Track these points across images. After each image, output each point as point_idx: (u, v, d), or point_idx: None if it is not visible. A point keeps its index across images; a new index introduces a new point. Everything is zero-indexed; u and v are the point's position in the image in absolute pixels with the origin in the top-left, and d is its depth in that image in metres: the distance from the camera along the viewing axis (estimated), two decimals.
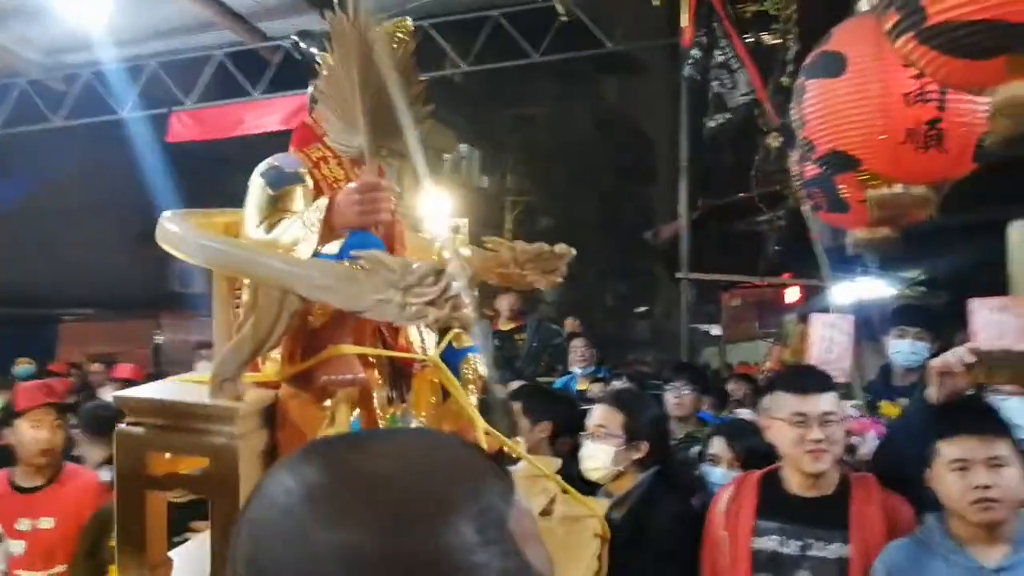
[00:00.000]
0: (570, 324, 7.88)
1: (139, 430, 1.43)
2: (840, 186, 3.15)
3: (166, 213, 1.54)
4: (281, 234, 1.48)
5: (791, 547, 2.34)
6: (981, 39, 1.58)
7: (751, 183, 6.71)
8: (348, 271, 1.18)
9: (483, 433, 1.63)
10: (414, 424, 1.63)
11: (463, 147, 21.83)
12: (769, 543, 2.36)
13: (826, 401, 2.38)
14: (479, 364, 1.85)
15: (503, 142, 20.56)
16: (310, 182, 1.61)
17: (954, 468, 2.08)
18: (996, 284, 4.60)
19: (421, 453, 0.67)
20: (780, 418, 2.39)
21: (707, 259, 7.85)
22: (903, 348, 3.86)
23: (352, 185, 1.47)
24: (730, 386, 6.11)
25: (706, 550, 2.52)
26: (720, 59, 5.71)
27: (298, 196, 1.57)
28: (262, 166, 1.63)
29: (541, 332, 6.45)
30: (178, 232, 1.47)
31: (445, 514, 0.61)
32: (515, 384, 4.17)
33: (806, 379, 2.48)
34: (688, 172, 7.07)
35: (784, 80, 4.17)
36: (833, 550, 2.30)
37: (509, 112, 20.67)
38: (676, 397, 4.43)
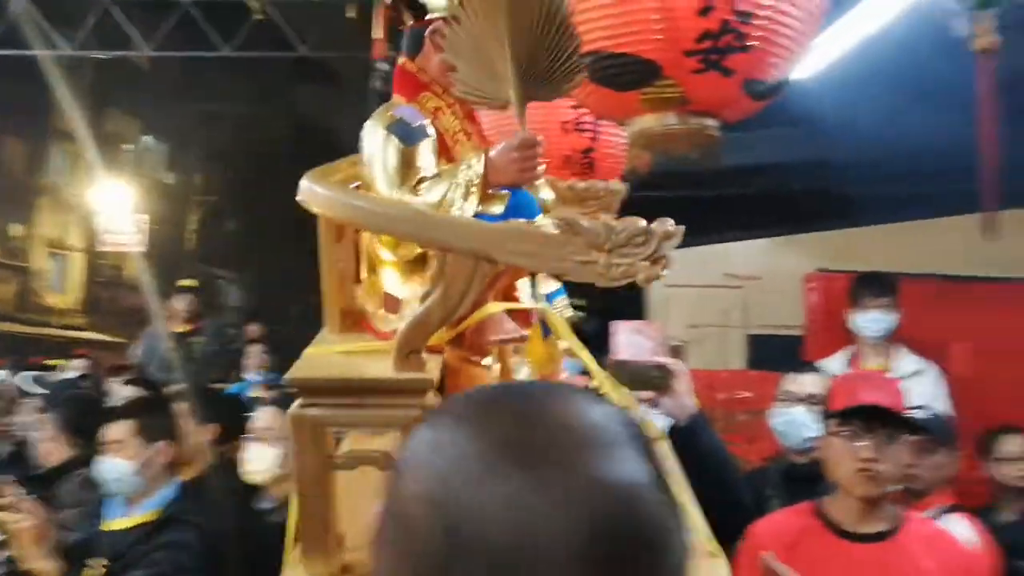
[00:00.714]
0: (252, 330, 7.63)
1: (318, 411, 1.29)
2: None
3: (304, 180, 1.36)
4: (433, 196, 1.36)
5: None
6: (621, 71, 1.72)
7: None
8: (549, 235, 1.13)
9: (599, 375, 1.53)
10: (526, 371, 1.57)
11: (147, 139, 20.50)
12: None
13: None
14: (566, 307, 1.78)
15: (192, 138, 19.59)
16: (434, 134, 1.47)
17: None
18: (639, 307, 5.24)
19: (582, 401, 0.66)
20: None
21: None
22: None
23: (507, 142, 1.37)
24: None
25: None
26: None
27: (425, 151, 1.44)
28: (382, 119, 1.47)
29: (219, 335, 6.25)
30: (337, 196, 1.33)
31: (624, 453, 0.62)
32: (182, 386, 3.98)
33: None
34: None
35: None
36: None
37: (199, 108, 19.77)
38: None
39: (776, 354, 4.31)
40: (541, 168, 1.43)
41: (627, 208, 4.42)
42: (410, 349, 1.24)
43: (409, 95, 1.54)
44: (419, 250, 1.39)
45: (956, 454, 3.14)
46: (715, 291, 4.61)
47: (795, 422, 3.22)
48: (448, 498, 0.59)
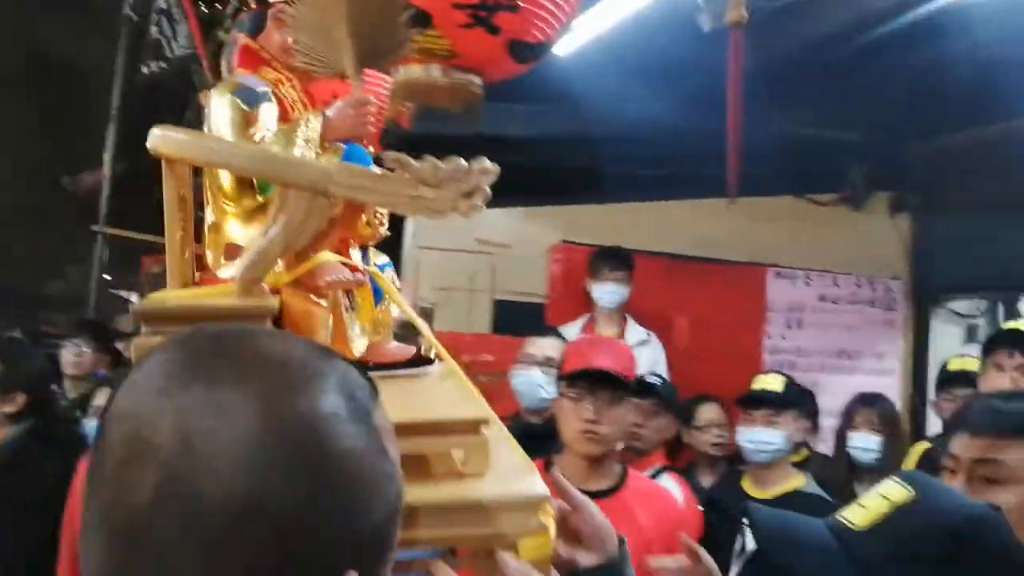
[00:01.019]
0: None
1: (159, 338, 1.25)
2: None
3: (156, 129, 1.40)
4: (273, 148, 1.48)
5: None
6: None
7: None
8: (380, 173, 1.23)
9: (428, 333, 1.54)
10: (358, 329, 1.59)
11: None
12: None
13: None
14: (394, 278, 1.81)
15: None
16: (275, 101, 1.59)
17: None
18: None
19: (294, 343, 0.68)
20: None
21: (136, 219, 7.43)
22: None
23: (343, 100, 1.51)
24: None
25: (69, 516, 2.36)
26: (163, 4, 5.47)
27: (267, 113, 1.54)
28: (226, 86, 1.58)
29: None
30: (192, 139, 1.38)
31: (320, 385, 0.63)
32: None
33: None
34: (119, 120, 6.65)
35: (222, 35, 4.12)
36: None
37: None
38: (75, 355, 4.22)
39: (520, 319, 4.46)
40: (372, 124, 1.59)
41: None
42: (252, 278, 1.30)
43: (251, 69, 1.68)
44: (260, 199, 1.49)
45: (675, 419, 3.42)
46: (465, 256, 4.70)
47: (532, 383, 3.36)
48: (130, 409, 0.62)
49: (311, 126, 1.52)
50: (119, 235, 7.18)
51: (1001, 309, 5.52)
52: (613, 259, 4.36)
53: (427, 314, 4.56)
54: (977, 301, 5.58)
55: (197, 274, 1.51)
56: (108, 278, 8.03)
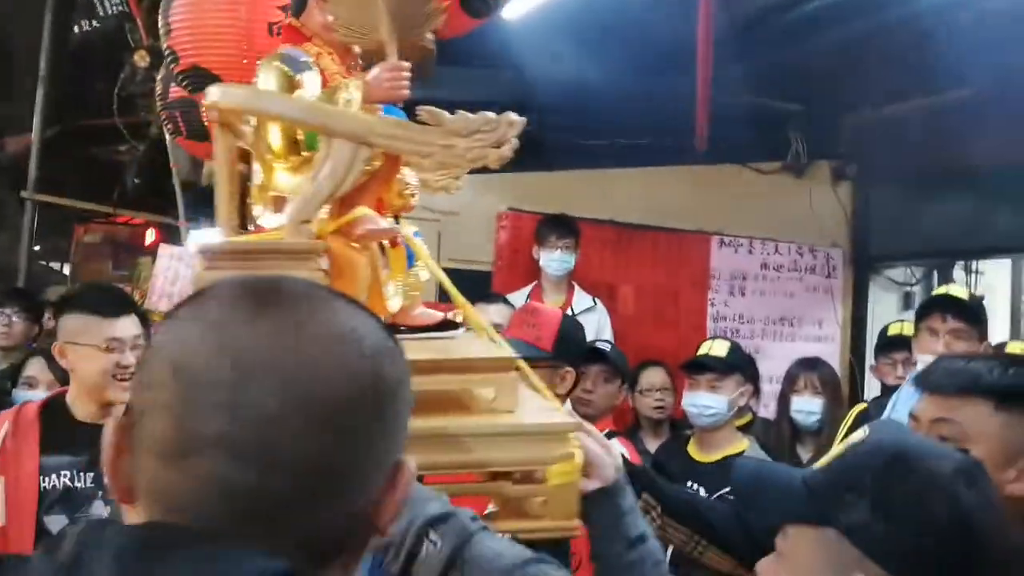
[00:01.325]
0: None
1: (219, 273, 1.35)
2: (203, 110, 3.11)
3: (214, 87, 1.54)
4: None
5: (85, 480, 2.26)
6: None
7: (115, 104, 6.28)
8: (415, 124, 1.30)
9: (460, 299, 1.58)
10: (392, 288, 1.67)
11: None
12: (60, 480, 2.25)
13: (135, 323, 2.34)
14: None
15: None
16: (317, 71, 1.68)
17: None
18: None
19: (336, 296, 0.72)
20: (87, 344, 2.26)
21: (66, 186, 7.19)
22: None
23: (380, 65, 1.60)
24: None
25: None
26: None
27: (310, 80, 1.64)
28: (271, 58, 1.67)
29: None
30: (251, 94, 1.51)
31: (378, 333, 0.70)
32: None
33: (116, 301, 2.38)
34: (48, 82, 6.39)
35: None
36: None
37: None
38: (4, 325, 4.12)
39: (467, 287, 4.41)
40: (407, 87, 1.66)
41: None
42: (302, 219, 1.40)
43: (295, 45, 1.78)
44: (305, 155, 1.60)
45: (623, 385, 3.44)
46: (413, 223, 4.63)
47: None
48: (174, 343, 0.66)
49: (351, 90, 1.62)
50: (50, 202, 6.93)
51: (936, 276, 5.66)
52: (560, 227, 4.36)
53: None
54: (913, 269, 5.71)
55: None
56: (37, 248, 7.78)
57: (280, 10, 2.37)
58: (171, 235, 5.75)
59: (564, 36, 3.97)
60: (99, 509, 2.26)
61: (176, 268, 3.99)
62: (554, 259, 4.30)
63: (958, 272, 5.62)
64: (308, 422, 0.62)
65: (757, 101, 4.99)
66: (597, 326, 4.24)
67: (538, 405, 1.32)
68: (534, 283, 4.41)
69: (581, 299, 4.37)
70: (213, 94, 1.47)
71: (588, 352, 3.01)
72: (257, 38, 2.41)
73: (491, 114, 1.29)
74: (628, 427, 3.73)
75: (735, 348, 3.23)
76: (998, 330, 5.68)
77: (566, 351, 2.41)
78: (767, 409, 4.16)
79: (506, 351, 1.37)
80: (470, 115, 1.29)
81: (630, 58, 3.92)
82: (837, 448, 1.21)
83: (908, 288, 5.74)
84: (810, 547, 1.11)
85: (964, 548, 1.05)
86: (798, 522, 1.13)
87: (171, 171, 5.02)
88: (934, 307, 2.78)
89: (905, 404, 2.70)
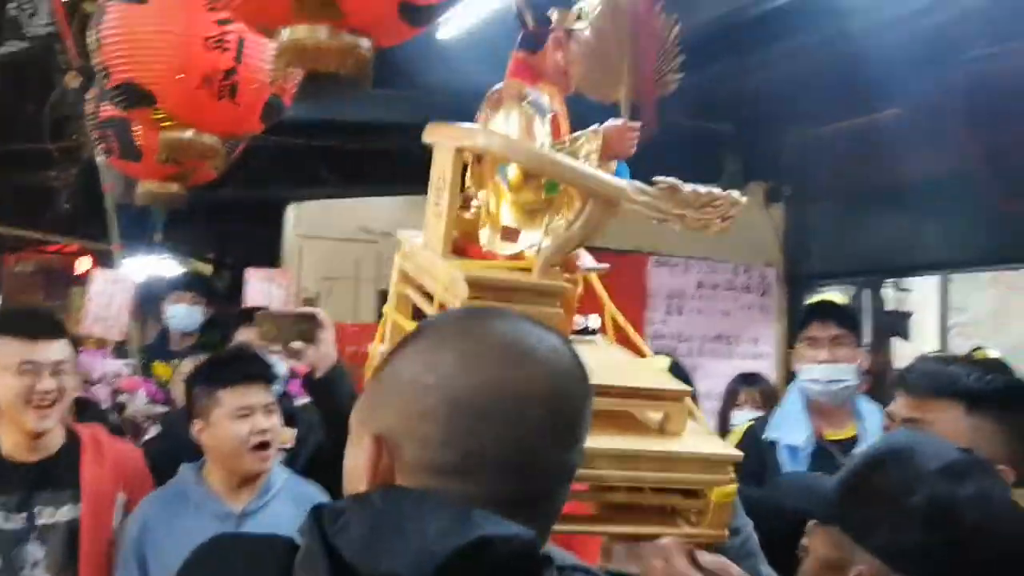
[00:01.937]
0: None
1: (481, 303, 1.48)
2: (135, 129, 3.05)
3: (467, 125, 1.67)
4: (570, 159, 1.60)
5: (16, 521, 2.15)
6: None
7: (45, 127, 6.12)
8: (657, 191, 1.42)
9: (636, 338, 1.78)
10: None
11: None
12: None
13: (60, 349, 2.21)
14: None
15: None
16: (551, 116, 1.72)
17: (237, 416, 2.16)
18: (275, 258, 5.13)
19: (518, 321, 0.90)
20: (1, 367, 2.14)
21: None
22: (179, 312, 4.02)
23: (617, 121, 1.65)
24: None
25: None
26: None
27: (543, 128, 1.69)
28: (517, 95, 1.74)
29: None
30: (531, 151, 1.60)
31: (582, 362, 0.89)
32: None
33: (37, 323, 2.26)
34: None
35: (88, 6, 3.88)
36: (64, 513, 2.18)
37: None
38: None
39: None
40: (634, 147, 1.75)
41: (261, 153, 4.23)
42: (552, 263, 1.53)
43: (522, 78, 1.80)
44: (543, 196, 1.67)
45: None
46: (349, 244, 4.61)
47: None
48: (444, 379, 0.81)
49: (592, 143, 1.69)
50: None
51: (867, 294, 5.80)
52: None
53: (311, 303, 4.44)
54: (846, 287, 5.84)
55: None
56: None
57: (215, 24, 2.34)
58: (104, 260, 5.61)
59: (496, 55, 3.99)
60: (33, 552, 2.15)
61: (111, 292, 3.88)
62: None
63: (887, 289, 5.76)
64: (560, 441, 0.83)
65: (690, 123, 5.08)
66: None
67: (697, 431, 1.46)
68: None
69: None
70: (492, 143, 1.60)
71: None
72: (193, 52, 2.36)
73: (717, 190, 1.43)
74: None
75: (675, 364, 3.25)
76: (927, 346, 5.85)
77: None
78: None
79: (678, 383, 1.51)
80: (701, 189, 1.42)
81: None
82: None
83: None
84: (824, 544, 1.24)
85: (948, 540, 1.08)
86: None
87: (103, 195, 4.91)
88: (813, 315, 2.82)
89: (794, 405, 2.74)
